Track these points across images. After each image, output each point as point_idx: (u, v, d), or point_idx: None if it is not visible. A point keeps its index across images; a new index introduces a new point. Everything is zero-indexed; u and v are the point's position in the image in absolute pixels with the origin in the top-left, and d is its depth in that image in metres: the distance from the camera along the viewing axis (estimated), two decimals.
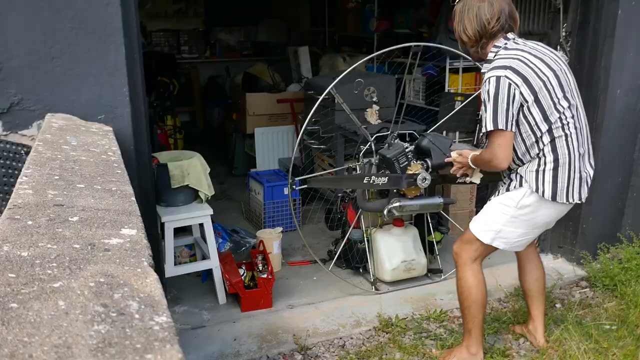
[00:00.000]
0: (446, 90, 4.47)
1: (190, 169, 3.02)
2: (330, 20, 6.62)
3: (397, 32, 5.18)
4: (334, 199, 3.60)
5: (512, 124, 2.15)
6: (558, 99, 2.22)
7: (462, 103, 4.04)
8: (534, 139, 2.24)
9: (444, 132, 4.31)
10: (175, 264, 3.15)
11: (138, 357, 0.75)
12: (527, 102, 2.17)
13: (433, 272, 3.41)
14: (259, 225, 4.06)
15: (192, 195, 3.12)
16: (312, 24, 7.11)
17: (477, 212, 4.23)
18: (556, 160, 2.24)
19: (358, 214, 3.30)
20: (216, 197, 3.72)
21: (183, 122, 5.76)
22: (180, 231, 3.23)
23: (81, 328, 0.81)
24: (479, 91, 4.19)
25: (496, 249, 2.44)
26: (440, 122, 3.72)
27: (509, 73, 2.13)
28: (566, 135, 2.24)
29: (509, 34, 2.26)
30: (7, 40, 2.14)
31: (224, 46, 7.46)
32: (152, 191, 2.76)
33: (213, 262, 3.10)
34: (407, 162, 2.93)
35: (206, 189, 3.08)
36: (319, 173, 4.05)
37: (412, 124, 3.71)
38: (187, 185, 3.03)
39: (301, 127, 3.66)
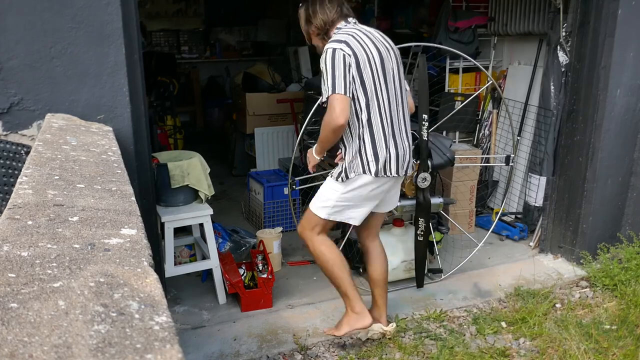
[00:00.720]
0: (446, 90, 4.47)
1: (190, 169, 3.03)
2: None
3: (397, 32, 5.17)
4: None
5: (349, 90, 2.35)
6: (378, 77, 2.43)
7: (462, 103, 4.04)
8: (355, 118, 2.42)
9: (444, 132, 4.32)
10: (175, 264, 3.14)
11: (138, 357, 0.75)
12: (354, 74, 2.37)
13: (433, 272, 3.41)
14: (259, 225, 4.06)
15: (192, 195, 3.12)
16: None
17: (477, 212, 4.25)
18: (373, 140, 2.44)
19: None
20: (216, 197, 3.72)
21: (183, 122, 5.76)
22: (180, 231, 3.23)
23: (81, 328, 0.81)
24: (479, 91, 4.21)
25: (334, 222, 2.65)
26: (440, 122, 3.72)
27: (343, 46, 2.36)
28: (381, 115, 2.44)
29: (349, 18, 2.53)
30: (7, 40, 2.14)
31: (224, 46, 7.46)
32: (152, 191, 2.76)
33: (213, 262, 3.10)
34: None
35: (206, 189, 3.08)
36: (319, 173, 4.04)
37: (412, 124, 3.70)
38: (187, 185, 3.03)
39: (301, 127, 3.66)
